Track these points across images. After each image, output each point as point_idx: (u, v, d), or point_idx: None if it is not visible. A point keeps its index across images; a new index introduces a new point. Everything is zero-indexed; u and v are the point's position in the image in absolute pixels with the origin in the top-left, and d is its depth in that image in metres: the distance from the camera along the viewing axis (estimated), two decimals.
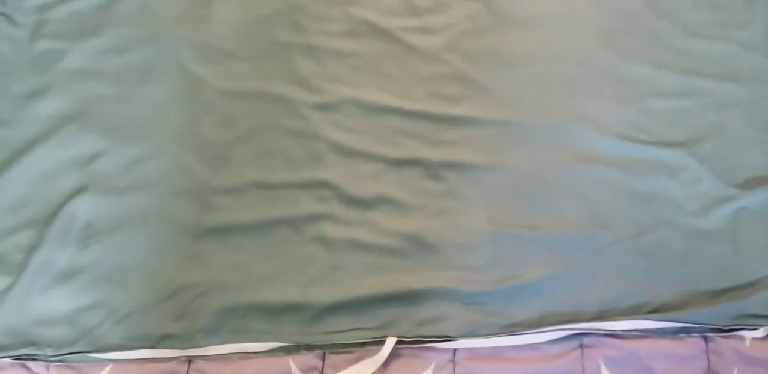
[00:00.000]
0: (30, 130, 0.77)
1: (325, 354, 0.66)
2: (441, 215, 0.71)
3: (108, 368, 0.66)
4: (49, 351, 0.66)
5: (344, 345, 0.66)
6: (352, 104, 0.76)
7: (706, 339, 0.66)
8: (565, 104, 0.75)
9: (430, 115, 0.75)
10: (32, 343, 0.67)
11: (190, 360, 0.67)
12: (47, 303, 0.69)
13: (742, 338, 0.66)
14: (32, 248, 0.71)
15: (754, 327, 0.65)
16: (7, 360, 0.66)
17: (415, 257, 0.70)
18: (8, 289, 0.69)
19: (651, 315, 0.65)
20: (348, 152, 0.74)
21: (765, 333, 0.66)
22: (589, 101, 0.76)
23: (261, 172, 0.74)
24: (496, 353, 0.65)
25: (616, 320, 0.65)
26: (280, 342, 0.66)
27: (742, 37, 0.78)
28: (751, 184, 0.72)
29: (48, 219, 0.72)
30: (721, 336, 0.66)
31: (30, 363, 0.67)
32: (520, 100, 0.76)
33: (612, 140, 0.74)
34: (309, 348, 0.66)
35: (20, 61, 0.82)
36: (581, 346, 0.66)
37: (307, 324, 0.67)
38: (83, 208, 0.73)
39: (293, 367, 0.65)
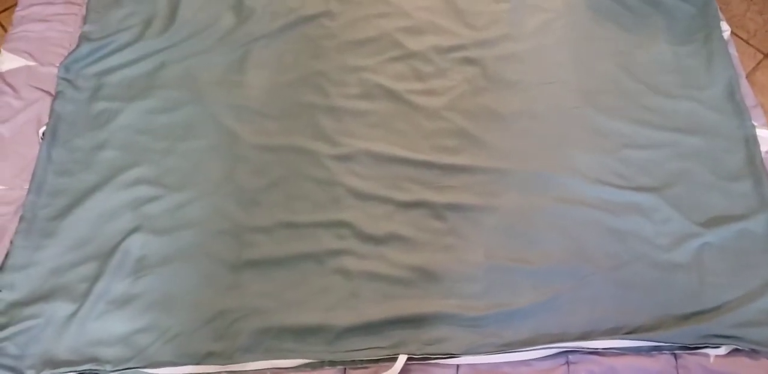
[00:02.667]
0: (90, 178, 0.99)
1: (345, 369, 0.84)
2: (444, 250, 0.91)
3: None
4: (108, 367, 0.85)
5: (362, 362, 0.84)
6: (367, 155, 0.98)
7: (675, 356, 0.84)
8: (551, 154, 0.97)
9: (433, 164, 0.97)
10: (94, 360, 0.86)
11: None
12: (106, 325, 0.88)
13: (706, 355, 0.84)
14: (93, 279, 0.91)
15: (717, 346, 0.83)
16: None
17: (422, 286, 0.89)
18: (74, 314, 0.88)
19: (627, 335, 0.83)
20: (363, 196, 0.95)
21: (727, 351, 0.84)
22: (572, 151, 0.98)
23: (288, 214, 0.95)
24: (493, 368, 0.83)
25: (597, 339, 0.83)
26: (307, 358, 0.85)
27: (703, 97, 1.01)
28: (713, 223, 0.92)
29: (107, 254, 0.93)
30: (689, 353, 0.84)
31: None
32: (512, 151, 0.97)
33: (592, 185, 0.94)
34: (331, 364, 0.85)
35: (81, 119, 1.05)
36: (567, 362, 0.83)
37: (330, 343, 0.85)
38: (136, 245, 0.93)
39: None
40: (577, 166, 0.96)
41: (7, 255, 0.94)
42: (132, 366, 0.85)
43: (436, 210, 0.93)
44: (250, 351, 0.86)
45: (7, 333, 0.87)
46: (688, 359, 0.83)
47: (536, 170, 0.95)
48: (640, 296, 0.86)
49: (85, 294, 0.90)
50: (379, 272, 0.90)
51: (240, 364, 0.85)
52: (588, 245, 0.90)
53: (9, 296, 0.90)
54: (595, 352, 0.83)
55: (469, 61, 1.06)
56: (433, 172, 0.96)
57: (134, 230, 0.94)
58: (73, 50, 1.10)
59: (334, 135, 1.00)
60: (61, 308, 0.89)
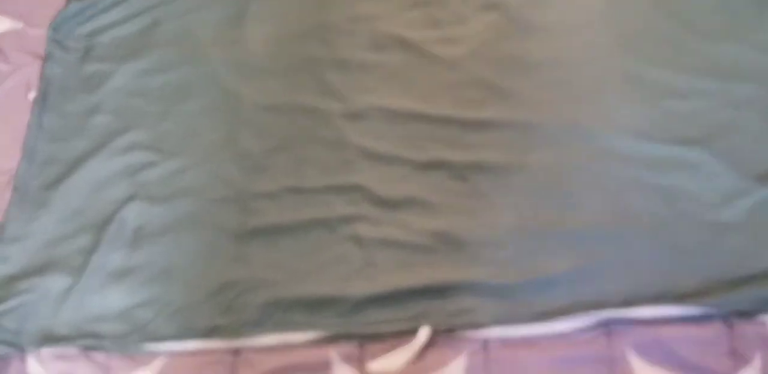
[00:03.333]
0: (83, 145, 0.95)
1: (363, 343, 0.79)
2: (468, 213, 0.85)
3: (161, 358, 0.80)
4: (108, 342, 0.81)
5: (381, 335, 0.79)
6: (380, 112, 0.92)
7: (728, 324, 0.76)
8: (586, 106, 0.90)
9: (454, 119, 0.90)
10: (93, 335, 0.82)
11: (236, 351, 0.80)
12: (104, 299, 0.84)
13: (763, 323, 0.76)
14: (89, 251, 0.87)
15: None
16: (73, 349, 0.81)
17: (445, 253, 0.83)
18: (71, 288, 0.85)
19: (674, 302, 0.76)
20: (377, 157, 0.89)
21: None
22: (608, 102, 0.90)
23: (296, 178, 0.89)
24: (525, 341, 0.77)
25: (641, 307, 0.77)
26: (320, 331, 0.80)
27: (754, 40, 0.92)
28: (766, 177, 0.83)
29: (102, 225, 0.89)
30: (743, 321, 0.76)
31: (92, 353, 0.81)
32: (541, 102, 0.90)
33: (632, 138, 0.87)
34: (347, 337, 0.79)
35: (72, 83, 1.01)
36: (608, 333, 0.77)
37: (345, 316, 0.80)
38: (133, 214, 0.89)
39: (333, 356, 0.78)
40: (615, 118, 0.88)
41: (1, 228, 0.91)
42: (132, 341, 0.81)
43: (458, 170, 0.87)
44: (259, 324, 0.81)
45: (5, 307, 0.85)
46: (743, 327, 0.76)
47: (569, 123, 0.88)
48: (687, 258, 0.79)
49: (82, 267, 0.86)
50: (397, 238, 0.84)
51: (248, 338, 0.80)
52: (629, 204, 0.83)
53: (4, 269, 0.88)
54: (638, 322, 0.76)
55: (490, 5, 0.97)
56: (454, 128, 0.89)
57: (130, 198, 0.90)
58: (62, 9, 1.05)
59: (344, 91, 0.93)
60: (57, 281, 0.86)
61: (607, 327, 0.78)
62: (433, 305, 0.80)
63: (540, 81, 0.91)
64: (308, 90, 0.94)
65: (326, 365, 0.78)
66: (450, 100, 0.91)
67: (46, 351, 0.82)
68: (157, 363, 0.80)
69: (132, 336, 0.81)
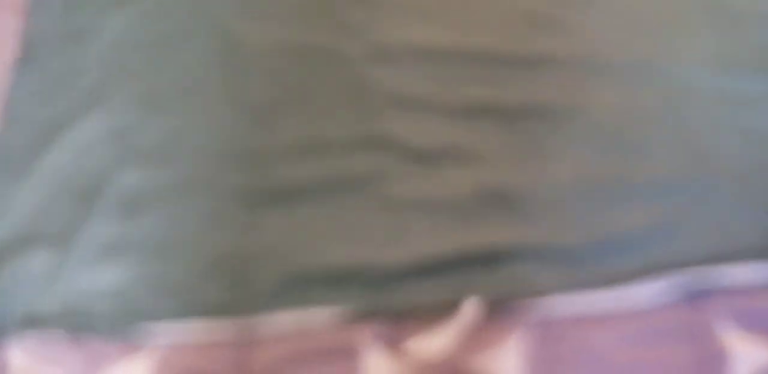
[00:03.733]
0: (69, 105, 0.84)
1: (398, 320, 0.67)
2: (519, 166, 0.73)
3: (161, 341, 0.69)
4: (100, 323, 0.70)
5: (419, 310, 0.67)
6: (410, 51, 0.79)
7: None
8: (654, 37, 0.77)
9: (499, 56, 0.77)
10: (84, 315, 0.71)
11: (248, 333, 0.69)
12: (96, 276, 0.73)
13: None
14: (77, 223, 0.76)
15: None
16: (60, 333, 0.70)
17: (492, 213, 0.71)
18: (59, 264, 0.74)
19: None
20: (408, 104, 0.77)
21: None
22: (684, 32, 0.77)
23: (313, 131, 0.78)
24: (592, 311, 0.65)
25: (730, 267, 0.64)
26: (345, 308, 0.68)
27: None
28: None
29: (91, 193, 0.78)
30: None
31: (82, 338, 0.70)
32: (603, 34, 0.77)
33: (711, 72, 0.74)
34: (379, 314, 0.68)
35: (56, 37, 0.89)
36: (692, 301, 0.65)
37: (375, 288, 0.69)
38: (126, 180, 0.78)
39: (362, 336, 0.66)
40: (692, 51, 0.75)
41: None
42: (128, 321, 0.70)
43: (505, 116, 0.75)
44: (273, 300, 0.70)
45: None
46: None
47: (636, 57, 0.75)
48: None
49: (69, 241, 0.75)
50: (434, 197, 0.72)
51: (260, 316, 0.69)
52: (710, 149, 0.70)
53: None
54: (732, 286, 0.64)
55: None
56: (500, 67, 0.77)
57: (123, 162, 0.79)
58: None
59: (366, 28, 0.81)
60: (42, 257, 0.75)
61: (690, 293, 0.66)
62: (480, 273, 0.68)
63: (599, 8, 0.78)
64: (324, 29, 0.82)
65: (354, 347, 0.67)
66: (494, 34, 0.78)
67: (30, 336, 0.71)
68: (157, 349, 0.69)
69: (127, 316, 0.70)
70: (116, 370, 0.69)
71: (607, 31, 0.77)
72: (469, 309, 0.65)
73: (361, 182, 0.74)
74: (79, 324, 0.71)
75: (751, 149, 0.70)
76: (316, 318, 0.69)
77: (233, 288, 0.71)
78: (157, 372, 0.69)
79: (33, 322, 0.72)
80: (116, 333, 0.71)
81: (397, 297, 0.68)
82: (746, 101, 0.73)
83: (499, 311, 0.66)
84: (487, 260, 0.68)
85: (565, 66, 0.76)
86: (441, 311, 0.67)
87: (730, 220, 0.67)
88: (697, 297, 0.65)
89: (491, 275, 0.67)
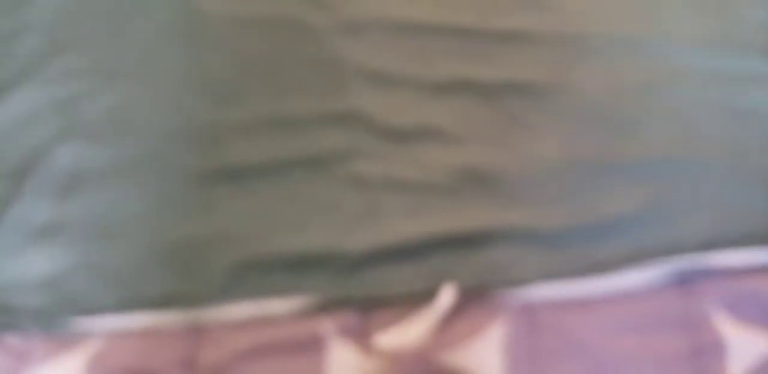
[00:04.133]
0: (6, 72, 0.76)
1: (367, 310, 0.61)
2: (500, 145, 0.68)
3: (98, 338, 0.62)
4: (28, 319, 0.63)
5: (391, 299, 0.61)
6: (382, 24, 0.73)
7: None
8: (642, 13, 0.73)
9: (477, 30, 0.72)
10: (7, 311, 0.64)
11: (199, 326, 0.62)
12: (24, 263, 0.65)
13: None
14: (6, 202, 0.68)
15: None
16: None
17: (471, 194, 0.66)
18: None
19: None
20: (380, 79, 0.71)
21: None
22: (668, 10, 0.73)
23: (276, 106, 0.71)
24: (579, 300, 0.60)
25: (725, 252, 0.61)
26: (310, 298, 0.62)
27: None
28: None
29: (25, 169, 0.70)
30: None
31: (4, 336, 0.63)
32: (588, 9, 0.73)
33: (699, 51, 0.71)
34: (347, 303, 0.62)
35: None
36: (686, 287, 0.60)
37: (343, 276, 0.63)
38: (66, 156, 0.71)
39: (328, 327, 0.60)
40: (677, 27, 0.71)
41: None
42: (60, 316, 0.63)
43: (485, 92, 0.70)
44: (229, 290, 0.63)
45: None
46: None
47: (623, 35, 0.71)
48: None
49: None
50: (408, 178, 0.66)
51: (214, 309, 0.62)
52: (701, 129, 0.67)
53: None
54: (723, 272, 0.60)
55: None
56: (479, 41, 0.71)
57: (63, 137, 0.71)
58: None
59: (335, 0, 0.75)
60: None
61: (683, 278, 0.61)
62: (458, 258, 0.63)
63: None
64: (291, 0, 0.75)
65: (317, 340, 0.60)
66: (473, 8, 0.73)
67: None
68: (91, 345, 0.62)
69: (60, 309, 0.63)
70: (44, 370, 0.62)
71: (593, 8, 0.73)
72: (445, 298, 0.60)
73: (327, 160, 0.68)
74: (1, 319, 0.64)
75: (741, 130, 0.67)
76: (275, 309, 0.62)
77: (183, 276, 0.64)
78: (91, 371, 0.61)
79: None
80: (46, 329, 0.63)
81: (366, 285, 0.62)
82: (736, 81, 0.69)
83: (478, 299, 0.61)
84: (466, 244, 0.63)
85: (548, 42, 0.72)
86: (414, 300, 0.61)
87: (723, 203, 0.63)
88: (691, 284, 0.60)
89: (469, 260, 0.62)
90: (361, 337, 0.60)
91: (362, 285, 0.62)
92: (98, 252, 0.65)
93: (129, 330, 0.62)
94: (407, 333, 0.59)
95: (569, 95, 0.71)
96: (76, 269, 0.65)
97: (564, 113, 0.69)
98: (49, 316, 0.63)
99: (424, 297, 0.61)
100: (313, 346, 0.60)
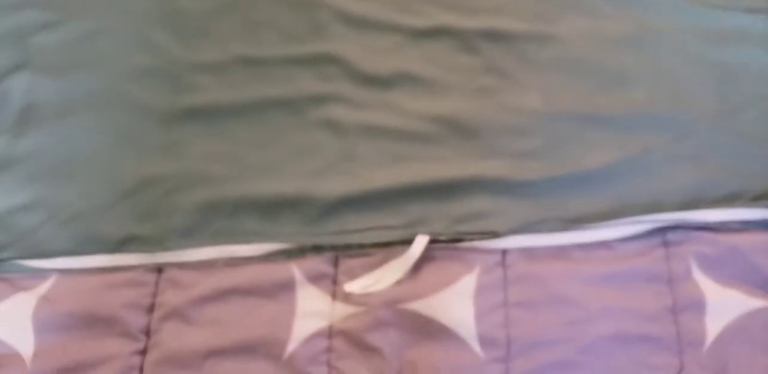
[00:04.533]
0: None
1: (337, 257, 0.60)
2: (480, 94, 0.66)
3: (51, 280, 0.59)
4: None
5: (362, 247, 0.60)
6: None
7: None
8: None
9: None
10: None
11: (159, 268, 0.60)
12: None
13: None
14: None
15: None
16: None
17: (449, 143, 0.64)
18: None
19: (754, 203, 0.60)
20: (358, 22, 0.69)
21: None
22: None
23: (248, 46, 0.68)
24: (557, 253, 0.60)
25: (709, 209, 0.60)
26: (279, 243, 0.60)
27: None
28: None
29: None
30: None
31: None
32: None
33: (686, 7, 0.69)
34: (317, 250, 0.60)
35: None
36: (665, 243, 0.60)
37: (314, 222, 0.61)
38: (20, 88, 0.66)
39: (297, 274, 0.59)
40: None
41: None
42: (8, 257, 0.59)
43: (465, 40, 0.68)
44: (192, 234, 0.60)
45: None
46: None
47: None
48: (762, 150, 0.63)
49: None
50: (385, 124, 0.64)
51: (176, 252, 0.60)
52: (686, 84, 0.66)
53: None
54: (705, 228, 0.60)
55: None
56: None
57: (17, 68, 0.67)
58: None
59: None
60: None
61: (663, 234, 0.61)
62: (433, 208, 0.61)
63: None
64: None
65: (286, 287, 0.58)
66: None
67: None
68: (43, 287, 0.59)
69: (10, 250, 0.59)
70: None
71: None
72: (417, 248, 0.58)
73: (302, 104, 0.65)
74: None
75: (730, 86, 0.66)
76: (242, 254, 0.60)
77: (144, 217, 0.61)
78: (39, 314, 0.58)
79: None
80: None
81: (338, 233, 0.60)
82: (724, 37, 0.68)
83: (454, 250, 0.60)
84: (442, 194, 0.61)
85: None
86: (387, 250, 0.59)
87: (707, 160, 0.63)
88: (673, 241, 0.60)
89: (445, 210, 0.61)
90: (330, 285, 0.59)
91: (333, 232, 0.60)
92: (53, 190, 0.62)
93: (84, 272, 0.59)
94: (378, 281, 0.58)
95: (552, 46, 0.68)
96: (28, 207, 0.61)
97: (546, 63, 0.68)
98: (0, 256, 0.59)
99: (397, 246, 0.59)
100: (280, 292, 0.58)
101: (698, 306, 0.58)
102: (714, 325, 0.58)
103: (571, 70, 0.67)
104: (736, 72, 0.67)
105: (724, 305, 0.58)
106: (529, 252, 0.60)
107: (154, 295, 0.59)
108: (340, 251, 0.60)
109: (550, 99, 0.65)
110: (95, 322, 0.58)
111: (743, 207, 0.61)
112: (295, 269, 0.59)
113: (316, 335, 0.57)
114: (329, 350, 0.57)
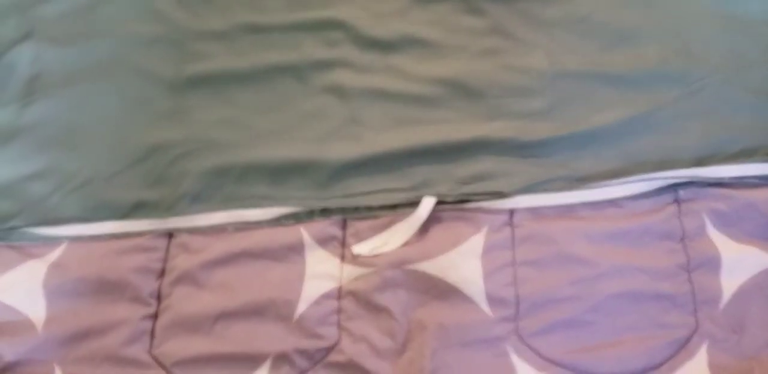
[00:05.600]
0: None
1: (345, 221, 0.61)
2: (486, 55, 0.66)
3: (62, 247, 0.60)
4: None
5: (369, 209, 0.61)
6: None
7: None
8: None
9: None
10: None
11: (170, 234, 0.61)
12: None
13: None
14: None
15: None
16: None
17: (455, 105, 0.65)
18: None
19: (762, 159, 0.60)
20: None
21: None
22: None
23: (254, 12, 0.69)
24: (565, 212, 0.60)
25: (723, 164, 0.61)
26: (288, 207, 0.61)
27: None
28: None
29: None
30: None
31: None
32: None
33: None
34: (325, 213, 0.61)
35: None
36: (678, 200, 0.60)
37: (322, 185, 0.62)
38: (26, 58, 0.67)
39: (306, 237, 0.60)
40: None
41: None
42: (19, 225, 0.61)
43: (470, 1, 0.68)
44: (202, 199, 0.62)
45: None
46: None
47: None
48: None
49: None
50: (390, 88, 0.65)
51: (185, 217, 0.61)
52: (698, 39, 0.66)
53: None
54: (719, 184, 0.60)
55: None
56: None
57: (24, 37, 0.68)
58: None
59: None
60: None
61: (675, 192, 0.61)
62: (439, 170, 0.62)
63: None
64: None
65: (295, 249, 0.59)
66: None
67: None
68: (54, 254, 0.60)
69: (20, 218, 0.61)
70: (2, 281, 0.59)
71: None
72: (424, 210, 0.59)
73: (308, 69, 0.66)
74: None
75: (740, 41, 0.66)
76: (252, 218, 0.61)
77: (153, 183, 0.62)
78: (50, 280, 0.59)
79: None
80: (5, 238, 0.61)
81: (346, 196, 0.61)
82: None
83: (461, 211, 0.60)
84: (449, 156, 0.62)
85: None
86: (395, 212, 0.60)
87: (719, 116, 0.63)
88: (686, 198, 0.60)
89: (452, 172, 0.61)
90: (339, 247, 0.59)
91: (341, 196, 0.61)
92: (62, 158, 0.63)
93: (94, 239, 0.60)
94: (385, 243, 0.59)
95: (558, 5, 0.68)
96: (38, 176, 0.62)
97: (552, 23, 0.67)
98: (11, 224, 0.60)
99: (404, 208, 0.60)
100: (290, 255, 0.59)
101: (713, 263, 0.58)
102: (730, 283, 0.58)
103: (577, 28, 0.67)
104: (747, 26, 0.67)
105: (740, 262, 0.58)
106: (536, 212, 0.60)
107: (165, 260, 0.60)
108: (348, 214, 0.61)
109: (556, 59, 0.66)
110: (106, 288, 0.59)
111: (759, 162, 0.61)
112: (304, 233, 0.60)
113: (326, 296, 0.58)
114: (339, 311, 0.58)
